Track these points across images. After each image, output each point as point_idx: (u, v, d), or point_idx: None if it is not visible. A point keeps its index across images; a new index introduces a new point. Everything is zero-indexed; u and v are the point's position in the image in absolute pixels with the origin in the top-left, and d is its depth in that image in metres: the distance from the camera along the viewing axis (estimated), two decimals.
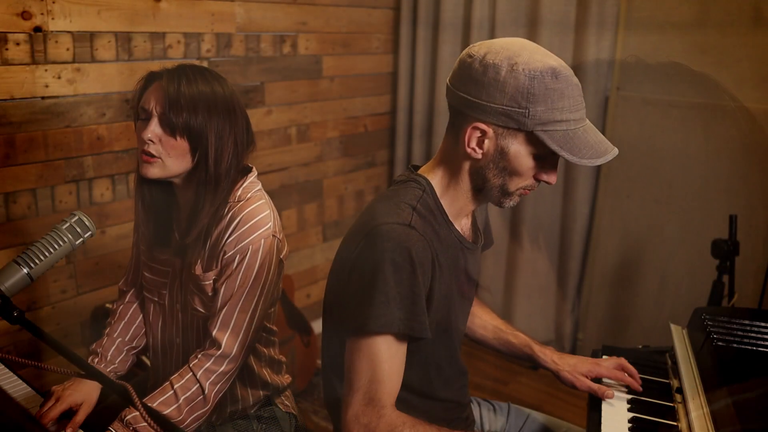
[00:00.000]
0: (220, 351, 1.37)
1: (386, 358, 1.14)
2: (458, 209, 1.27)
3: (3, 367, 1.47)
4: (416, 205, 1.20)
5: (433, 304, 1.21)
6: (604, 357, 1.55)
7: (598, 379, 1.45)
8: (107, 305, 2.29)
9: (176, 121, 1.31)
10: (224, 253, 1.38)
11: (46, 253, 1.16)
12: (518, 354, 1.52)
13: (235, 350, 1.38)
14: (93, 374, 1.06)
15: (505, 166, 1.17)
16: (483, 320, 1.58)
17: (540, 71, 1.10)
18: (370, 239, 1.15)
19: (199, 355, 1.39)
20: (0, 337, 2.08)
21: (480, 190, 1.23)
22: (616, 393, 1.42)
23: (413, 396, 1.32)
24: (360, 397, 1.14)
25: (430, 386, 1.34)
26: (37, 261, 1.14)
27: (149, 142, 1.33)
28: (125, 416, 1.30)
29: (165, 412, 1.32)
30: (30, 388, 1.41)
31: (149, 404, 1.30)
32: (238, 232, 1.37)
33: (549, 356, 1.47)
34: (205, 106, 1.33)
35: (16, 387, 1.41)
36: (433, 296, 1.20)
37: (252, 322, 1.41)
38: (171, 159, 1.34)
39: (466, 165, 1.21)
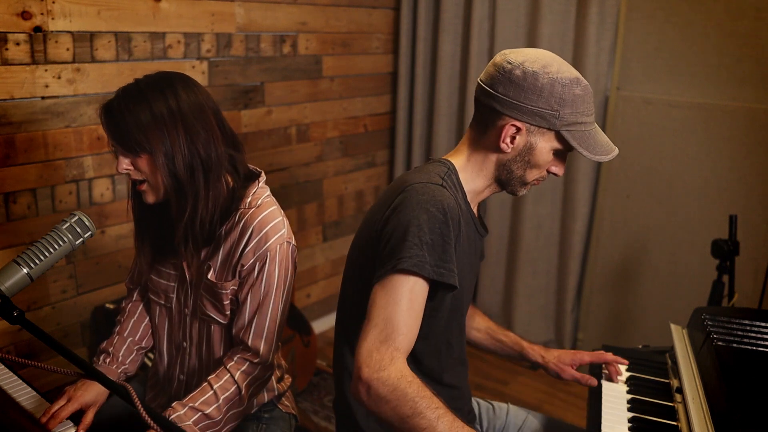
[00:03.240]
0: (259, 359, 1.42)
1: (408, 299, 1.17)
2: (476, 193, 1.38)
3: (3, 367, 1.47)
4: (444, 176, 1.31)
5: (457, 263, 1.26)
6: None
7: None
8: (107, 305, 2.29)
9: (127, 143, 1.33)
10: (242, 264, 1.40)
11: (46, 253, 1.16)
12: (509, 352, 1.64)
13: (270, 357, 1.44)
14: (93, 374, 1.06)
15: (530, 160, 1.31)
16: (476, 322, 1.66)
17: (569, 80, 1.26)
18: (405, 195, 1.25)
19: (236, 357, 1.42)
20: (0, 337, 2.08)
21: (500, 180, 1.36)
22: (616, 392, 1.42)
23: (423, 377, 1.34)
24: (376, 333, 1.15)
25: (440, 364, 1.39)
26: (37, 261, 1.14)
27: (126, 172, 1.37)
28: (169, 416, 1.33)
29: (206, 411, 1.36)
30: (30, 389, 1.41)
31: (191, 404, 1.36)
32: (254, 241, 1.39)
33: (537, 351, 1.60)
34: (142, 124, 1.32)
35: (16, 387, 1.41)
36: (457, 255, 1.26)
37: (280, 328, 1.46)
38: (152, 176, 1.37)
39: (493, 157, 1.34)
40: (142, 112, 1.32)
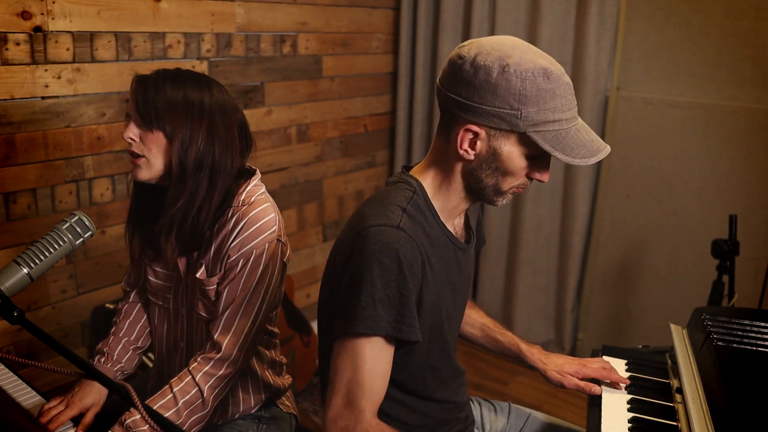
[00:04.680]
0: (220, 354, 1.37)
1: (369, 359, 1.13)
2: (451, 209, 1.26)
3: (3, 367, 1.47)
4: (406, 206, 1.19)
5: (425, 305, 1.20)
6: (591, 358, 1.54)
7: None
8: (107, 305, 2.29)
9: (147, 115, 1.33)
10: (228, 257, 1.38)
11: (46, 253, 1.16)
12: (505, 352, 1.53)
13: (234, 353, 1.38)
14: (93, 374, 1.06)
15: (498, 167, 1.16)
16: (471, 318, 1.58)
17: (532, 72, 1.09)
18: (358, 242, 1.15)
19: (199, 359, 1.39)
20: (0, 337, 2.08)
21: (473, 190, 1.23)
22: (617, 393, 1.42)
23: (410, 397, 1.32)
24: (339, 399, 1.14)
25: (427, 388, 1.33)
26: (37, 261, 1.14)
27: (130, 141, 1.36)
28: (125, 420, 1.30)
29: (164, 416, 1.31)
30: (30, 389, 1.41)
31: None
32: (242, 236, 1.37)
33: (536, 356, 1.48)
34: (172, 103, 1.33)
35: (16, 387, 1.41)
36: (424, 298, 1.19)
37: (253, 326, 1.40)
38: (153, 154, 1.35)
39: (459, 166, 1.20)
40: (177, 92, 1.34)
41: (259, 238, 1.37)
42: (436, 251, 1.23)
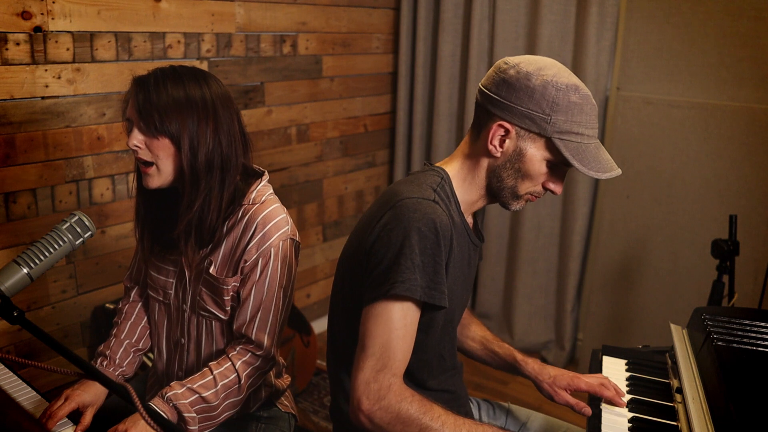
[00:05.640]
0: (262, 351, 1.42)
1: (402, 325, 1.17)
2: (470, 203, 1.33)
3: (3, 367, 1.47)
4: (436, 188, 1.27)
5: (447, 282, 1.24)
6: (595, 374, 1.50)
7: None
8: (107, 305, 2.29)
9: (150, 120, 1.32)
10: (245, 260, 1.40)
11: (46, 253, 1.16)
12: (502, 364, 1.57)
13: (273, 350, 1.44)
14: (93, 374, 1.06)
15: (520, 168, 1.25)
16: (473, 331, 1.61)
17: (565, 85, 1.20)
18: (395, 211, 1.20)
19: (238, 348, 1.43)
20: (0, 337, 2.08)
21: (492, 189, 1.30)
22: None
23: (411, 385, 1.33)
24: (373, 363, 1.16)
25: (430, 374, 1.37)
26: (37, 261, 1.14)
27: (136, 148, 1.35)
28: (166, 393, 1.35)
29: (203, 395, 1.36)
30: (30, 389, 1.41)
31: (189, 385, 1.36)
32: (257, 237, 1.39)
33: (531, 366, 1.51)
34: (175, 103, 1.32)
35: (16, 387, 1.41)
36: (448, 273, 1.23)
37: (283, 322, 1.46)
38: (163, 161, 1.35)
39: (485, 162, 1.28)
40: (178, 92, 1.33)
41: (274, 237, 1.40)
42: (458, 237, 1.28)
